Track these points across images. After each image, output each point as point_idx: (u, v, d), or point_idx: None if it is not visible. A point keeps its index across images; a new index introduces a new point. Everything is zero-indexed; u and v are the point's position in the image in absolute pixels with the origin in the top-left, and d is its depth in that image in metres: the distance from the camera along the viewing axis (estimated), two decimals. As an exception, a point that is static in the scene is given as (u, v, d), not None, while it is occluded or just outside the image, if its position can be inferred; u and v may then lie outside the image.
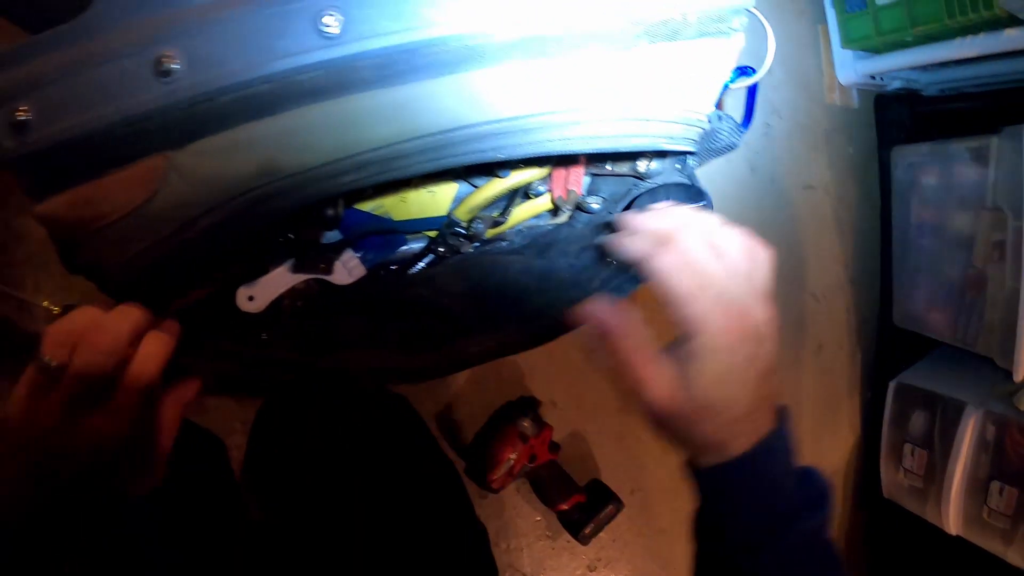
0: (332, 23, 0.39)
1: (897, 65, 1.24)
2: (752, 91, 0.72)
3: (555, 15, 0.43)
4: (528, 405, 1.04)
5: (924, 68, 1.29)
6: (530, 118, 0.46)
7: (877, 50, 1.26)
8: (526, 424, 1.00)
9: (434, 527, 0.74)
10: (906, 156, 1.30)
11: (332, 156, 0.44)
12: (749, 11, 0.46)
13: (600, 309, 0.44)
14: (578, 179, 0.59)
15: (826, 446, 1.39)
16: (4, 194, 0.80)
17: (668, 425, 0.43)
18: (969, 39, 1.13)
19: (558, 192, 0.60)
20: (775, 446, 0.43)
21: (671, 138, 0.50)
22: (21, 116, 0.39)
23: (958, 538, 1.24)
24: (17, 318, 0.80)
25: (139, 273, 0.47)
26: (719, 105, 0.59)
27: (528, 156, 0.47)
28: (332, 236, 0.61)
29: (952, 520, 1.23)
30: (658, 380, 0.42)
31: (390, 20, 0.40)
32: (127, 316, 0.44)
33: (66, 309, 0.83)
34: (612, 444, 1.15)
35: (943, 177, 1.26)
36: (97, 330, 0.44)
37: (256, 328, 0.59)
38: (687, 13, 0.45)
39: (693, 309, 0.40)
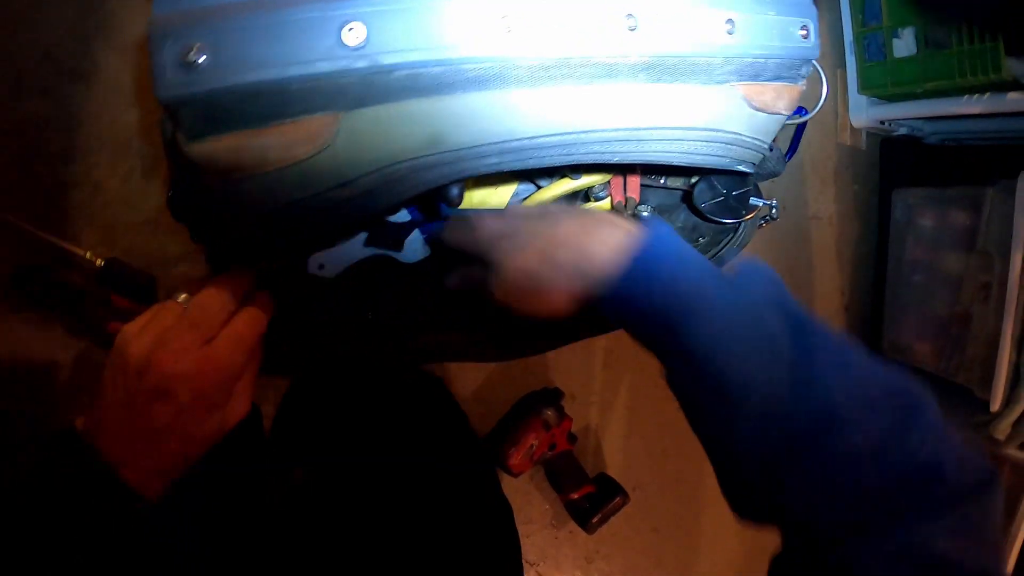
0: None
1: (907, 113, 1.33)
2: (800, 128, 0.81)
3: (677, 47, 0.49)
4: (553, 396, 1.09)
5: (929, 119, 1.39)
6: (646, 131, 0.53)
7: (889, 98, 1.35)
8: (550, 413, 1.06)
9: (465, 496, 0.79)
10: (906, 197, 1.40)
11: (485, 140, 0.48)
12: (814, 64, 0.55)
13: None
14: (636, 187, 0.65)
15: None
16: (54, 135, 0.80)
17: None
18: (975, 98, 1.23)
19: (618, 197, 0.65)
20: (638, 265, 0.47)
21: (739, 161, 0.58)
22: (195, 56, 0.39)
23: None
24: (55, 267, 0.80)
25: (272, 227, 0.48)
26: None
27: (635, 162, 0.54)
28: (401, 216, 0.64)
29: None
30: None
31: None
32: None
33: (108, 262, 0.85)
34: (620, 441, 1.22)
35: (938, 219, 1.36)
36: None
37: (360, 303, 0.63)
38: (769, 59, 0.53)
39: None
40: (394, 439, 0.79)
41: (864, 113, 1.37)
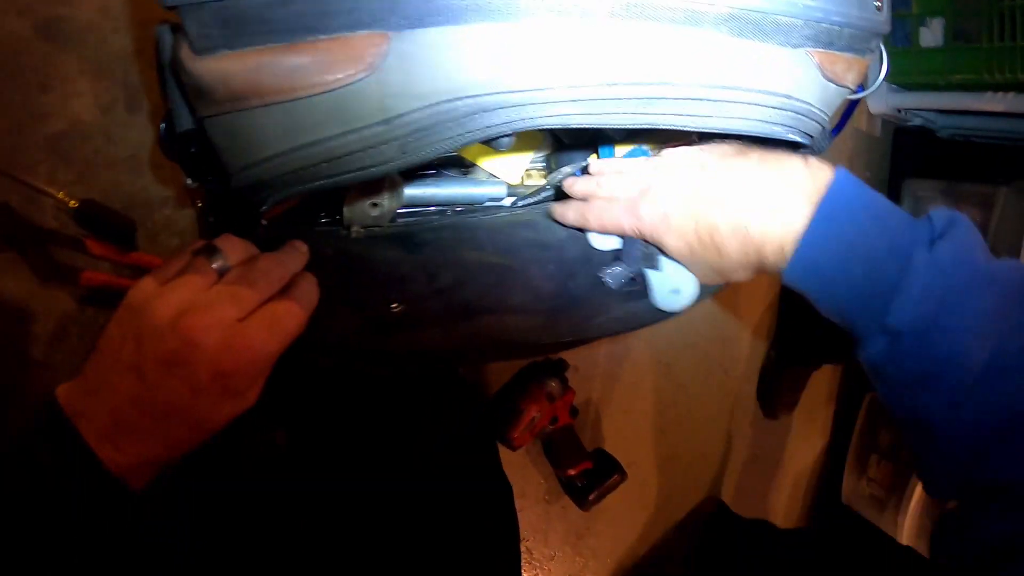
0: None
1: (928, 104, 1.31)
2: (852, 105, 0.78)
3: (762, 1, 0.46)
4: (557, 366, 1.06)
5: (945, 111, 1.37)
6: (729, 90, 0.49)
7: (910, 87, 1.33)
8: (554, 385, 1.03)
9: (463, 475, 0.76)
10: (916, 189, 1.39)
11: (558, 82, 0.43)
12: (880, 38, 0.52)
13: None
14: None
15: (796, 449, 1.47)
16: (32, 61, 0.73)
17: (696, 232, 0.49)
18: (1000, 96, 1.21)
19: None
20: (835, 203, 0.44)
21: (804, 134, 0.54)
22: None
23: (907, 548, 1.34)
24: (22, 207, 0.73)
25: (294, 166, 0.42)
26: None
27: (710, 129, 0.50)
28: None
29: (906, 531, 1.32)
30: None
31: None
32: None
33: (83, 204, 0.79)
34: (620, 415, 1.20)
35: (948, 215, 1.34)
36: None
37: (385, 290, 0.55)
38: (845, 28, 0.50)
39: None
40: (388, 404, 0.76)
41: (883, 100, 1.34)
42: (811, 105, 0.53)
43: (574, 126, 0.45)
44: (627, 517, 1.24)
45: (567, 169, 0.61)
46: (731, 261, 0.49)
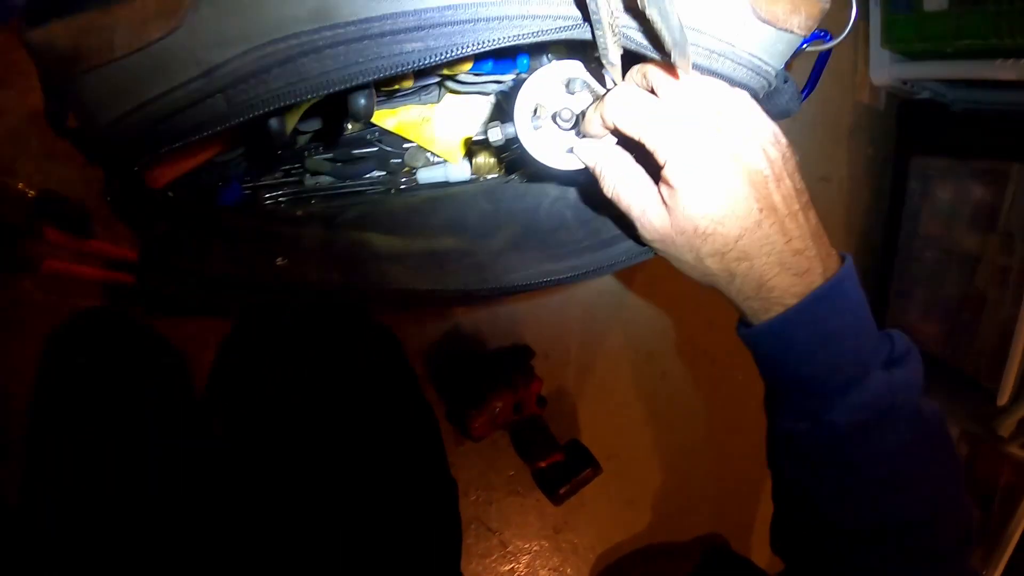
0: None
1: (933, 74, 1.23)
2: (822, 59, 0.69)
3: None
4: (522, 354, 1.01)
5: (954, 82, 1.28)
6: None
7: (915, 56, 1.24)
8: (517, 374, 0.98)
9: (402, 472, 0.72)
10: (924, 166, 1.30)
11: (397, 7, 0.37)
12: None
13: (590, 149, 0.43)
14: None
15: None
16: None
17: (673, 253, 0.42)
18: (1011, 63, 1.11)
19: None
20: (830, 293, 0.41)
21: (729, 79, 0.47)
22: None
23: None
24: None
25: (137, 129, 0.41)
26: (787, 66, 0.56)
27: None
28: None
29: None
30: (650, 206, 0.41)
31: None
32: None
33: (43, 193, 0.79)
34: (596, 406, 1.14)
35: (957, 193, 1.26)
36: None
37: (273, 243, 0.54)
38: None
39: (650, 138, 0.39)
40: (331, 393, 0.72)
41: (886, 70, 1.26)
42: (733, 46, 0.46)
43: (436, 64, 0.39)
44: (608, 511, 1.18)
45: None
46: (702, 262, 0.42)
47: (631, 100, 0.40)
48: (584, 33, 0.40)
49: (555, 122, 0.48)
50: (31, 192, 0.76)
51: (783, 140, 0.42)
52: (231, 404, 0.73)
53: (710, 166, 0.38)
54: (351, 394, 0.73)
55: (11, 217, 0.76)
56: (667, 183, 0.39)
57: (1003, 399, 1.14)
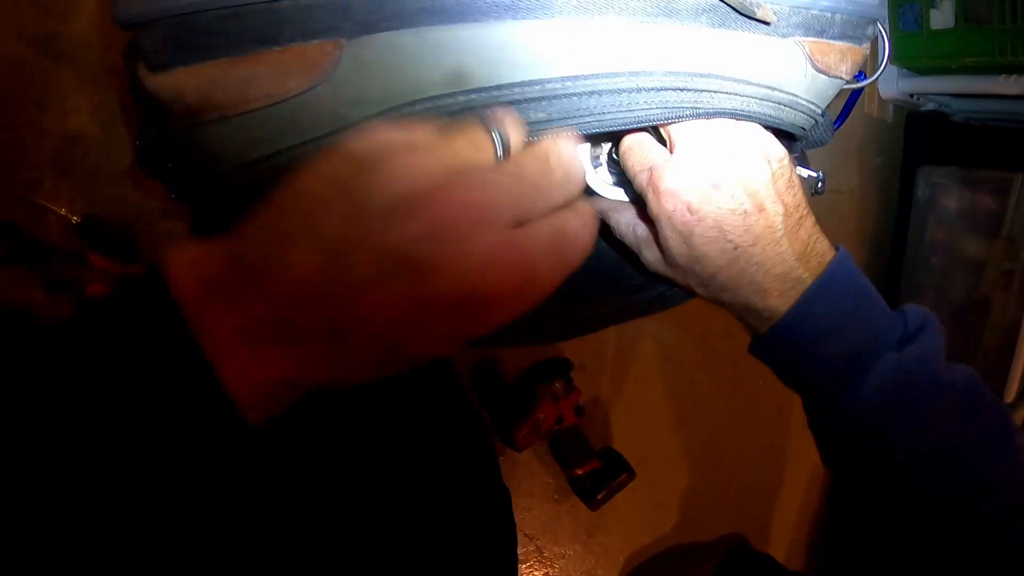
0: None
1: (939, 88, 1.28)
2: (855, 95, 0.75)
3: None
4: (562, 366, 1.05)
5: (958, 96, 1.33)
6: (702, 78, 0.47)
7: (921, 71, 1.30)
8: (558, 385, 1.02)
9: (459, 482, 0.73)
10: (930, 176, 1.35)
11: (522, 77, 0.40)
12: (878, 25, 0.50)
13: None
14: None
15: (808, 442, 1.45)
16: (30, 79, 0.73)
17: (680, 281, 0.48)
18: (1013, 79, 1.17)
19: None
20: (820, 293, 0.44)
21: (790, 124, 0.52)
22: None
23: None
24: (27, 223, 0.74)
25: (258, 178, 0.40)
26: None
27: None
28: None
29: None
30: (645, 247, 0.49)
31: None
32: None
33: (86, 219, 0.79)
34: (628, 412, 1.19)
35: (962, 202, 1.31)
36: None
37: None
38: (836, 14, 0.48)
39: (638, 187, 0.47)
40: (382, 411, 0.74)
41: (894, 84, 1.31)
42: (796, 97, 0.51)
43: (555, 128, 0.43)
44: (638, 514, 1.22)
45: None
46: (696, 290, 0.49)
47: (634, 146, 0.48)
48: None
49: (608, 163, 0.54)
50: (75, 218, 0.75)
51: (775, 155, 0.46)
52: (284, 428, 0.74)
53: (676, 219, 0.44)
54: (403, 409, 0.75)
55: (54, 242, 0.75)
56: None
57: (1009, 397, 1.20)
